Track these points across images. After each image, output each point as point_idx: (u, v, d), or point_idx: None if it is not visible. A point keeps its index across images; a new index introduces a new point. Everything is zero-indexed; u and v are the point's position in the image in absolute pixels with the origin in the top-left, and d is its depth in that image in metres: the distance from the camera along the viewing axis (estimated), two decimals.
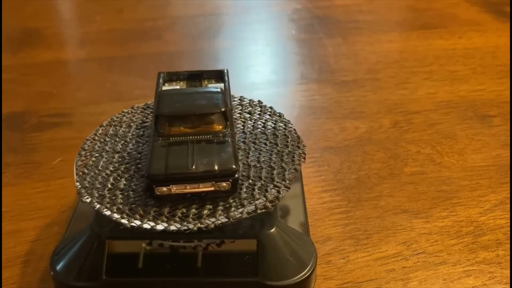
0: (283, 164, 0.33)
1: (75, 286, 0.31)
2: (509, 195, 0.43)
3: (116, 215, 0.30)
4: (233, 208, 0.30)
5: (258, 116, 0.38)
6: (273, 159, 0.33)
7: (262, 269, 0.31)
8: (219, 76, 0.38)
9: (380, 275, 0.35)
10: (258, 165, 0.33)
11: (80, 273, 0.31)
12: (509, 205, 0.41)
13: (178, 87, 0.38)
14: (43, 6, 0.85)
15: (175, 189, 0.30)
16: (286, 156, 0.33)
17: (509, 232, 0.39)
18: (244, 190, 0.31)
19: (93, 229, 0.31)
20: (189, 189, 0.30)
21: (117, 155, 0.35)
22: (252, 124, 0.37)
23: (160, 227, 0.29)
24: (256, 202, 0.30)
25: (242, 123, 0.37)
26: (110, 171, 0.33)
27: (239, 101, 0.40)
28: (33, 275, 0.36)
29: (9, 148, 0.49)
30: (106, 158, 0.35)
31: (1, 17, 0.77)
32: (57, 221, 0.40)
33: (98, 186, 0.32)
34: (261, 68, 0.66)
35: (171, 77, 0.39)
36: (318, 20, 0.78)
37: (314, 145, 0.49)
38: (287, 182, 0.31)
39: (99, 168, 0.34)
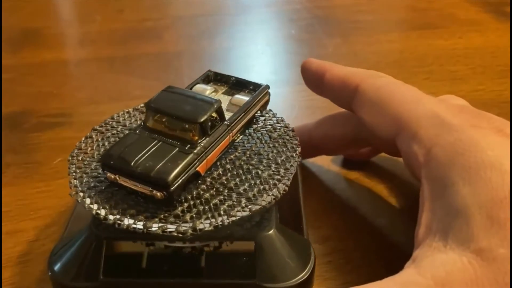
0: (243, 199, 0.30)
1: (73, 286, 0.31)
2: None
3: (74, 182, 0.31)
4: (156, 220, 0.28)
5: (275, 143, 0.34)
6: (241, 190, 0.30)
7: (260, 271, 0.31)
8: (256, 89, 0.36)
9: (380, 275, 0.35)
10: (221, 190, 0.30)
11: (78, 273, 0.31)
12: None
13: (209, 88, 0.36)
14: (43, 6, 0.85)
15: (120, 179, 0.29)
16: (256, 193, 0.30)
17: None
18: (184, 208, 0.29)
19: (92, 229, 0.31)
20: (130, 184, 0.29)
21: (126, 131, 0.35)
22: (260, 148, 0.34)
23: (94, 207, 0.29)
24: (182, 224, 0.28)
25: (253, 144, 0.34)
26: (109, 143, 0.34)
27: (275, 121, 0.37)
28: (33, 275, 0.36)
29: (9, 148, 0.49)
30: (116, 131, 0.35)
31: (1, 17, 0.77)
32: (57, 221, 0.40)
33: (88, 152, 0.33)
34: (261, 68, 0.66)
35: (216, 77, 0.38)
36: (318, 20, 0.78)
37: None
38: (228, 219, 0.28)
39: (104, 138, 0.34)
